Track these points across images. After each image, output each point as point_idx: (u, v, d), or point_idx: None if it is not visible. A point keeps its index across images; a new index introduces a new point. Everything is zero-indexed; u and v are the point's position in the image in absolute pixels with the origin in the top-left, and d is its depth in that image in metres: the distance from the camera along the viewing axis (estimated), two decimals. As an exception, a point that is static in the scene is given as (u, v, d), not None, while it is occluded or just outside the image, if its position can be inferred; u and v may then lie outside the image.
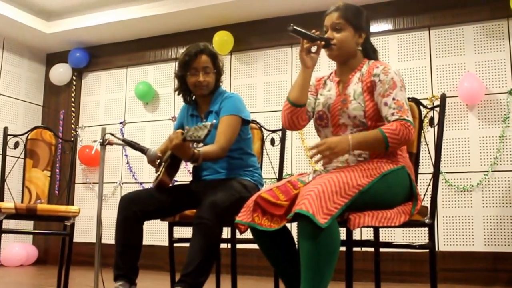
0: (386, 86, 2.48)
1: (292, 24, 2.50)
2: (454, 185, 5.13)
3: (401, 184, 2.48)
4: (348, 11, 2.64)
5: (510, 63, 5.14)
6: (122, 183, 6.62)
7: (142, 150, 3.04)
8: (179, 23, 6.31)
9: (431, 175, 4.95)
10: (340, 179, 2.27)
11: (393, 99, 2.45)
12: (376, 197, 2.37)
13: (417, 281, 5.02)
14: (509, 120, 5.06)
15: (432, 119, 2.77)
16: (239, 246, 3.21)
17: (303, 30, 2.54)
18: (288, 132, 3.62)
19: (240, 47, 6.20)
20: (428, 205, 2.66)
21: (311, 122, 2.79)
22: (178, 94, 3.32)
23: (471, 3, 5.32)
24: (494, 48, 5.22)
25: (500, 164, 5.05)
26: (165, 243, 3.45)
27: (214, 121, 2.73)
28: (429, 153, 2.83)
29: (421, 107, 2.84)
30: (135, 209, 2.98)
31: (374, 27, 5.54)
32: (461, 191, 5.13)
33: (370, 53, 2.72)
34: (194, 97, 3.33)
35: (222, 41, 6.08)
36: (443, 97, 2.73)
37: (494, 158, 5.06)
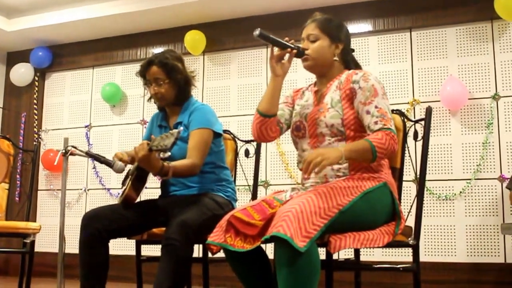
0: (367, 93, 2.44)
1: (259, 28, 2.42)
2: (436, 193, 5.10)
3: (384, 202, 2.43)
4: (324, 21, 2.63)
5: (494, 67, 5.13)
6: (88, 190, 6.48)
7: (108, 163, 2.94)
8: (149, 21, 6.20)
9: (412, 182, 4.93)
10: (319, 199, 2.21)
11: (376, 107, 2.41)
12: (357, 216, 2.31)
13: (398, 294, 4.98)
14: (493, 126, 5.04)
15: (416, 132, 2.71)
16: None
17: (271, 36, 2.47)
18: None
19: (213, 47, 6.12)
20: (412, 225, 2.60)
21: (289, 131, 2.74)
22: (154, 103, 3.27)
23: (454, 4, 5.29)
24: (478, 51, 5.20)
25: (484, 172, 5.03)
26: (134, 251, 3.35)
27: (181, 128, 2.72)
28: (412, 165, 2.78)
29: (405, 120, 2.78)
30: (98, 228, 2.87)
31: (354, 28, 5.49)
32: (443, 199, 5.10)
33: (352, 66, 2.67)
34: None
35: (194, 41, 5.98)
36: (429, 111, 2.67)
37: (477, 165, 5.04)
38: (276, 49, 2.53)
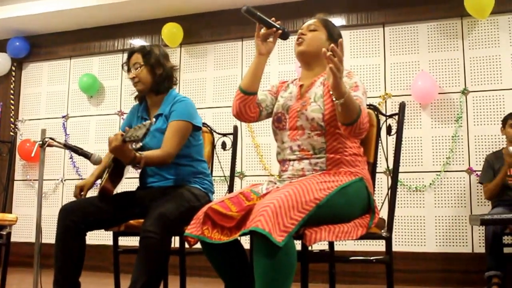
0: (348, 87, 2.41)
1: (246, 5, 2.44)
2: (407, 185, 5.13)
3: (359, 197, 2.42)
4: (326, 19, 2.68)
5: (464, 62, 5.16)
6: (65, 180, 6.39)
7: (85, 155, 2.90)
8: (127, 13, 6.12)
9: (383, 174, 4.93)
10: (296, 193, 2.19)
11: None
12: (333, 210, 2.30)
13: (369, 282, 5.00)
14: (462, 120, 5.08)
15: (389, 127, 2.70)
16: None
17: (258, 13, 2.48)
18: (239, 129, 3.52)
19: (190, 39, 6.06)
20: (385, 216, 2.60)
21: (265, 123, 2.73)
22: (135, 99, 3.28)
23: (426, 1, 5.31)
24: (448, 47, 5.23)
25: (453, 164, 5.07)
26: (111, 242, 3.30)
27: (154, 119, 2.70)
28: (385, 159, 2.78)
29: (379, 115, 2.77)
30: (76, 220, 2.82)
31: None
32: (414, 191, 5.13)
33: None
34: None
35: (171, 33, 5.93)
36: (402, 106, 2.66)
37: (446, 158, 5.08)
38: (262, 28, 2.54)
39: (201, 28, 6.05)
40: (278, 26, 2.53)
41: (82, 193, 3.07)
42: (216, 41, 6.02)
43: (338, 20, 5.56)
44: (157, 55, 3.12)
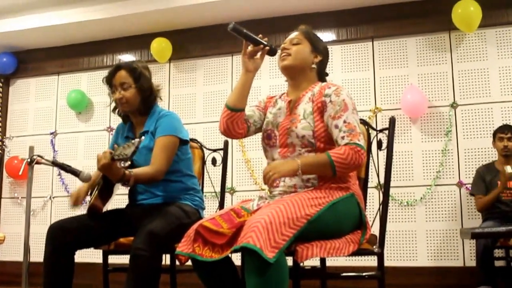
0: (337, 107, 2.44)
1: (233, 22, 2.45)
2: (398, 200, 5.15)
3: (350, 212, 2.43)
4: (309, 31, 2.69)
5: (452, 76, 5.20)
6: (53, 197, 6.35)
7: (74, 172, 2.87)
8: (115, 28, 6.12)
9: (375, 189, 4.94)
10: (288, 209, 2.19)
11: (344, 121, 2.40)
12: (325, 226, 2.30)
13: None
14: (451, 134, 5.11)
15: (380, 141, 2.71)
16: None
17: (245, 31, 2.49)
18: (229, 144, 3.53)
19: (179, 55, 6.08)
20: (377, 232, 2.60)
21: (256, 137, 2.74)
22: (118, 115, 3.23)
23: (414, 15, 5.35)
24: (437, 60, 5.27)
25: (443, 178, 5.09)
26: (101, 260, 3.28)
27: (143, 137, 2.67)
28: (376, 174, 2.79)
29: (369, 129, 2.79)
30: (64, 238, 2.80)
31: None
32: (405, 205, 5.14)
33: (324, 78, 2.71)
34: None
35: (160, 48, 5.94)
36: (393, 121, 2.68)
37: (437, 172, 5.10)
38: (249, 46, 2.55)
39: (190, 43, 6.06)
40: (265, 43, 2.54)
41: (79, 199, 3.03)
42: (206, 56, 6.03)
43: (328, 35, 5.59)
44: (147, 78, 3.09)
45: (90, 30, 6.18)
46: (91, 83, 6.49)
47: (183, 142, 3.06)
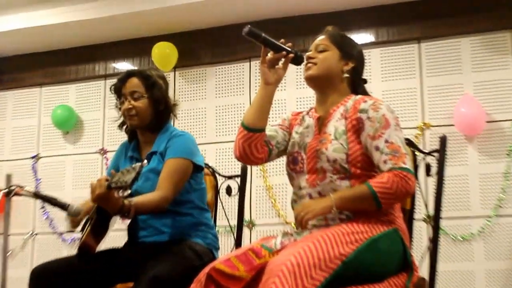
0: (376, 125, 2.47)
1: (248, 26, 2.47)
2: (450, 234, 5.13)
3: (394, 251, 2.45)
4: (337, 35, 2.72)
5: (516, 83, 5.21)
6: (35, 234, 6.42)
7: (61, 206, 2.92)
8: (109, 31, 6.21)
9: (423, 222, 4.96)
10: (318, 248, 2.21)
11: (386, 141, 2.44)
12: (363, 268, 2.32)
13: None
14: (515, 153, 5.11)
15: (428, 166, 2.75)
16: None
17: (263, 34, 2.51)
18: (248, 170, 3.57)
19: (185, 62, 6.16)
20: (426, 274, 2.62)
21: (278, 160, 2.81)
22: (125, 132, 3.30)
23: (469, 11, 5.37)
24: (497, 65, 5.30)
25: (506, 207, 5.06)
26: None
27: (145, 161, 2.68)
28: (424, 203, 2.81)
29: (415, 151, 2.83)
30: (50, 284, 2.84)
31: (353, 38, 5.53)
32: (459, 241, 5.13)
33: (360, 91, 2.72)
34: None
35: (163, 54, 6.03)
36: (443, 140, 2.71)
37: (498, 199, 5.08)
38: (269, 53, 2.57)
39: (199, 48, 6.15)
40: (289, 49, 2.56)
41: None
42: (218, 63, 6.11)
43: (364, 36, 5.65)
44: (162, 88, 3.18)
45: (78, 33, 6.26)
46: (80, 96, 6.59)
47: (197, 169, 3.12)
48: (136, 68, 6.18)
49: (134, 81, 3.13)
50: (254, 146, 2.62)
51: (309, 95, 5.55)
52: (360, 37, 5.63)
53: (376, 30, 5.66)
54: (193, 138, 3.16)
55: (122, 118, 3.23)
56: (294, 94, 5.76)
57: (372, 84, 5.45)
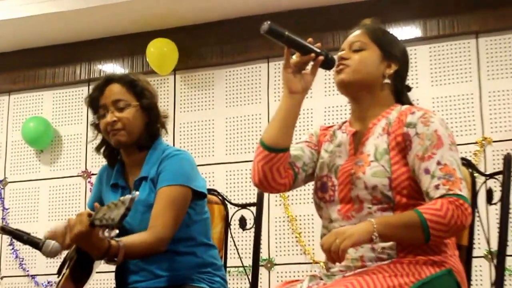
0: (426, 143, 2.43)
1: (268, 22, 2.43)
2: (519, 275, 5.12)
3: (447, 297, 2.43)
4: (377, 30, 2.69)
5: None
6: (2, 278, 6.45)
7: (34, 243, 2.91)
8: (94, 25, 6.27)
9: (484, 259, 4.94)
10: (354, 294, 2.22)
11: (438, 163, 2.40)
12: (411, 318, 2.31)
13: None
14: None
15: (490, 191, 2.73)
16: None
17: (286, 32, 2.47)
18: (265, 197, 3.56)
19: (188, 63, 6.21)
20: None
21: (303, 187, 2.79)
22: (104, 156, 3.27)
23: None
24: None
25: None
26: None
27: (137, 193, 2.54)
28: (484, 237, 2.81)
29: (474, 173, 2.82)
30: None
31: (395, 33, 5.52)
32: (532, 284, 5.12)
33: (404, 99, 2.70)
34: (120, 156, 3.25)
35: (160, 54, 6.07)
36: (508, 160, 2.69)
37: None
38: (294, 55, 2.54)
39: (205, 45, 6.19)
40: (319, 51, 2.52)
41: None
42: (229, 65, 6.17)
43: (409, 30, 5.68)
44: (151, 93, 3.16)
45: (56, 27, 6.31)
46: (57, 106, 6.64)
47: (198, 196, 3.09)
48: (128, 71, 6.24)
49: (116, 88, 3.11)
50: (276, 169, 2.58)
51: (341, 104, 5.57)
52: (404, 31, 5.66)
53: (424, 22, 5.66)
54: (190, 158, 3.14)
55: (100, 138, 3.21)
56: (322, 103, 5.75)
57: (419, 90, 5.47)
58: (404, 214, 2.37)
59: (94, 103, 3.14)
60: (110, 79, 3.14)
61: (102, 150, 3.25)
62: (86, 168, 6.42)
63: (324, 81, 5.74)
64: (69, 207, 6.23)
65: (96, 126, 3.18)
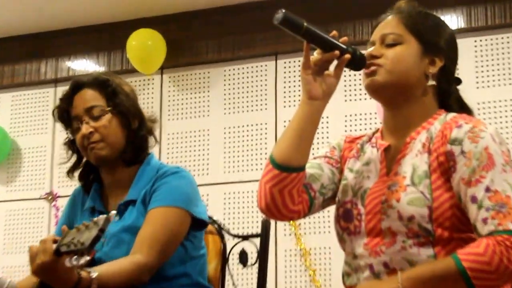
0: (474, 163, 2.37)
1: (282, 10, 2.40)
2: None
3: None
4: (415, 15, 2.60)
5: None
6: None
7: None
8: (62, 12, 6.33)
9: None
10: None
11: (487, 189, 2.33)
12: None
13: None
14: None
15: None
16: None
17: (305, 23, 2.44)
18: (272, 226, 3.57)
19: (178, 59, 6.29)
20: None
21: (319, 214, 2.79)
22: (79, 179, 3.31)
23: None
24: None
25: None
26: None
27: (114, 212, 2.56)
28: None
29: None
30: None
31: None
32: None
33: (452, 102, 2.64)
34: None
35: (144, 47, 6.13)
36: None
37: None
38: (316, 52, 2.52)
39: (199, 38, 6.27)
40: (345, 47, 2.48)
41: None
42: (228, 62, 6.23)
43: (452, 19, 5.73)
44: (129, 95, 3.20)
45: (16, 15, 6.38)
46: (17, 111, 6.71)
47: (198, 225, 3.15)
48: (104, 69, 6.36)
49: (87, 94, 3.15)
50: (288, 193, 2.52)
51: (365, 112, 5.65)
52: (445, 21, 5.60)
53: (468, 10, 5.71)
54: (191, 177, 3.19)
55: (74, 158, 3.27)
56: (342, 110, 5.76)
57: (463, 93, 5.45)
58: (438, 264, 2.32)
59: (64, 116, 3.19)
60: (78, 85, 3.16)
61: (78, 172, 3.28)
62: (51, 189, 6.47)
63: (343, 82, 5.71)
64: (29, 237, 6.28)
65: (70, 145, 3.24)
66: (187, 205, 3.06)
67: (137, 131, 3.18)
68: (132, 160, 3.17)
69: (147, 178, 3.14)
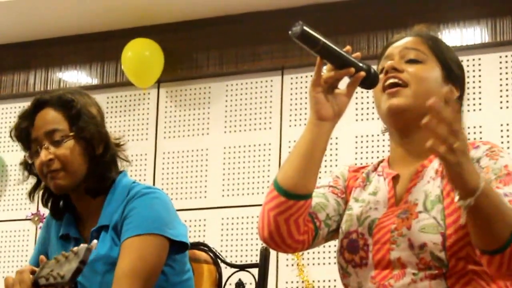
0: (491, 176, 2.37)
1: (300, 22, 2.34)
2: None
3: None
4: (438, 41, 2.65)
5: None
6: None
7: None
8: (53, 20, 6.31)
9: None
10: None
11: (505, 195, 2.29)
12: None
13: None
14: None
15: None
16: None
17: (322, 39, 2.38)
18: (271, 256, 3.51)
19: (176, 72, 6.25)
20: None
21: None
22: (44, 204, 3.20)
23: None
24: None
25: None
26: None
27: (95, 241, 2.52)
28: None
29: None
30: None
31: (450, 38, 5.57)
32: None
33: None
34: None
35: (140, 59, 6.08)
36: None
37: None
38: (325, 67, 2.45)
39: (199, 50, 6.22)
40: (360, 64, 2.43)
41: None
42: (230, 76, 6.18)
43: (471, 33, 5.67)
44: (95, 117, 3.12)
45: (2, 22, 6.35)
46: (3, 126, 6.70)
47: (177, 248, 3.08)
48: (96, 82, 6.29)
49: (49, 115, 3.07)
50: (294, 222, 2.49)
51: (379, 132, 5.52)
52: (463, 36, 5.68)
53: (493, 23, 5.64)
54: (165, 197, 3.13)
55: (32, 179, 3.17)
56: (352, 130, 5.73)
57: (483, 113, 5.51)
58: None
59: (24, 136, 3.09)
60: (40, 103, 3.08)
61: (43, 198, 3.20)
62: (38, 210, 6.40)
63: (354, 100, 5.66)
64: (13, 261, 6.26)
65: (28, 167, 3.16)
66: (162, 230, 3.03)
67: (100, 157, 3.11)
68: (96, 190, 3.12)
69: (117, 202, 3.11)
